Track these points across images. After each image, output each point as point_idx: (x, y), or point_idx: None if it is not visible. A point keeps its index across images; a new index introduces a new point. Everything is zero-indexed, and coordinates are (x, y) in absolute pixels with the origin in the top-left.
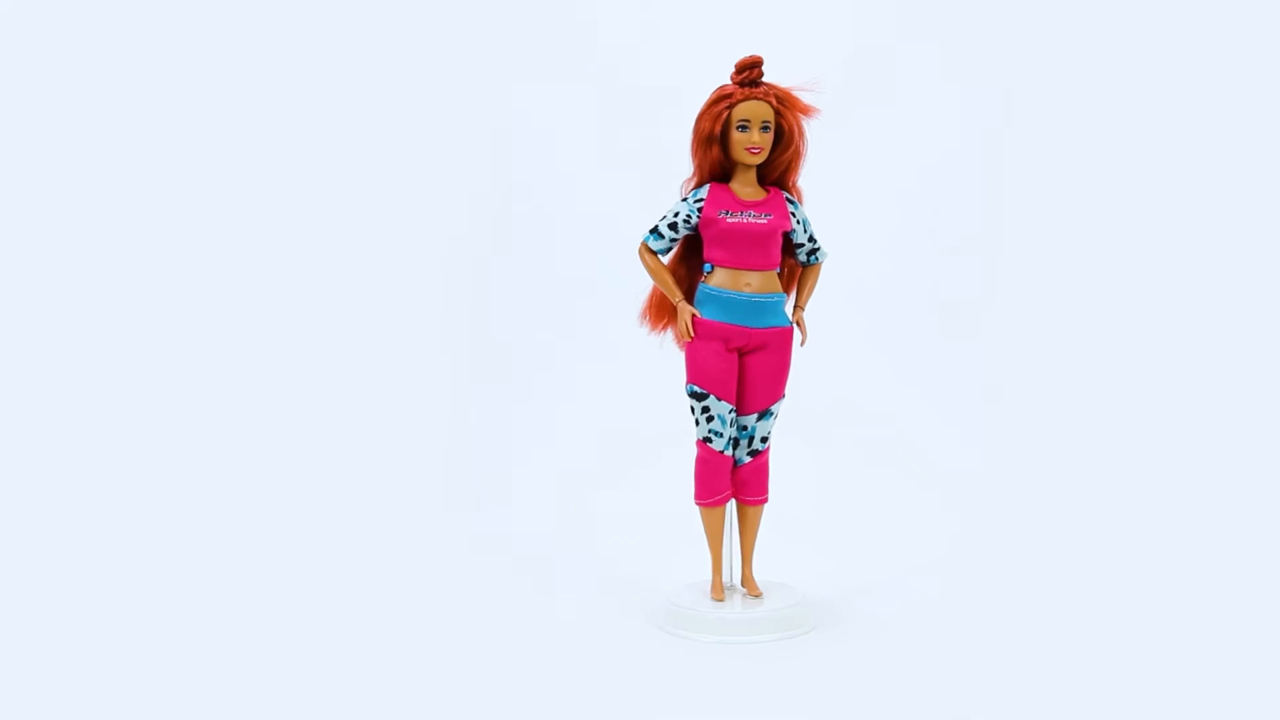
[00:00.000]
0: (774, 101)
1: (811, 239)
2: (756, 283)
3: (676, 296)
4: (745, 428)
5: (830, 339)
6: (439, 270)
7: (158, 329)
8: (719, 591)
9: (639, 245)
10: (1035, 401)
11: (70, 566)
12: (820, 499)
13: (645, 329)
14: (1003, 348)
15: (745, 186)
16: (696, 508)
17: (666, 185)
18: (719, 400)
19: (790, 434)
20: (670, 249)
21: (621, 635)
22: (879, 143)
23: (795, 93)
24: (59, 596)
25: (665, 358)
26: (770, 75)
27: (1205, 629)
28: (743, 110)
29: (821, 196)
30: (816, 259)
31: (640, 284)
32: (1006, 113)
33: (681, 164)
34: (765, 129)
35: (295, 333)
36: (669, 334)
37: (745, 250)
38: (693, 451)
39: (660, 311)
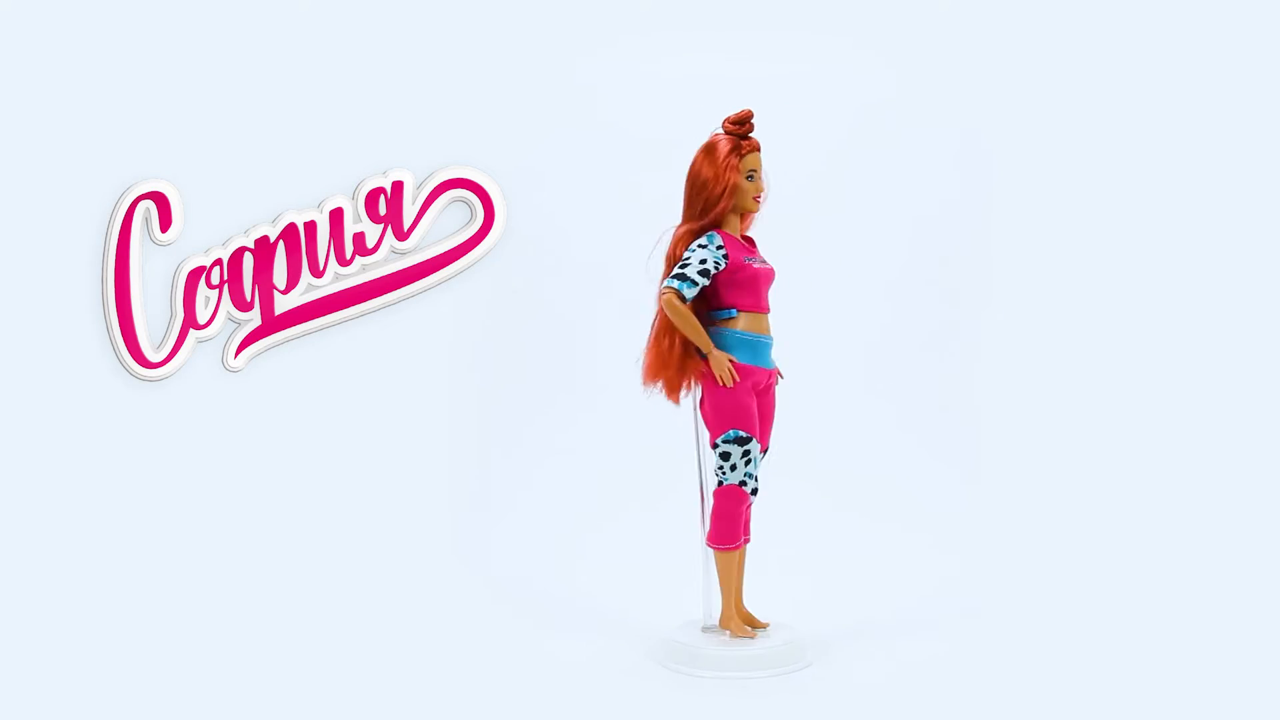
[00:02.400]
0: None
1: None
2: (767, 325)
3: (709, 345)
4: None
5: (829, 384)
6: (441, 316)
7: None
8: (746, 627)
9: (666, 296)
10: (1031, 446)
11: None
12: (816, 539)
13: (642, 383)
14: (998, 393)
15: (738, 234)
16: (710, 551)
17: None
18: (755, 441)
19: (789, 475)
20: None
21: (620, 673)
22: (878, 194)
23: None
24: (83, 660)
25: (657, 404)
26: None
27: (1198, 662)
28: (751, 161)
29: (824, 246)
30: None
31: (638, 336)
32: (1004, 164)
33: (670, 214)
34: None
35: (294, 379)
36: (658, 388)
37: (762, 294)
38: (687, 496)
39: (657, 367)
